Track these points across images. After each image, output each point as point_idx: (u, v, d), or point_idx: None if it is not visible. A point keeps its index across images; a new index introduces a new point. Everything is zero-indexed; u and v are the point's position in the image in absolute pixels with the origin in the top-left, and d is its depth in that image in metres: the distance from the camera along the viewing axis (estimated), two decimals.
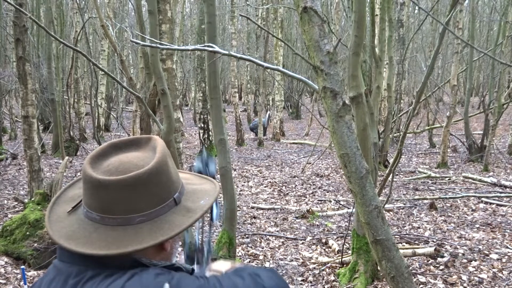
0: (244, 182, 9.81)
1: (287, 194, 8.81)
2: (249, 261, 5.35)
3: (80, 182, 1.06)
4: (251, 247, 5.83)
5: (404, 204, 7.71)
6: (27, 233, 4.98)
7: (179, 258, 1.27)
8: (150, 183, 1.00)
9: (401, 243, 5.73)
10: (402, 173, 10.33)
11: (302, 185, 9.51)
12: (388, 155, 11.04)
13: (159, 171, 1.01)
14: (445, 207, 7.49)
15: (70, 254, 0.99)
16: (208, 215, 1.33)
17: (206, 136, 13.51)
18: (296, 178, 10.17)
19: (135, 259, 0.98)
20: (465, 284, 4.52)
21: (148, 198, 1.00)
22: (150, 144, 1.09)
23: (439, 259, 5.09)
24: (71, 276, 0.98)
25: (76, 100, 15.79)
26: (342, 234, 6.08)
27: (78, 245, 0.97)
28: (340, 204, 7.86)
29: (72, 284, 0.97)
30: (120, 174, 0.98)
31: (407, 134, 7.42)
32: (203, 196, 1.11)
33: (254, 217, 7.16)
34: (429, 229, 6.34)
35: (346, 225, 6.43)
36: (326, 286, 4.67)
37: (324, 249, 5.75)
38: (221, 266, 1.24)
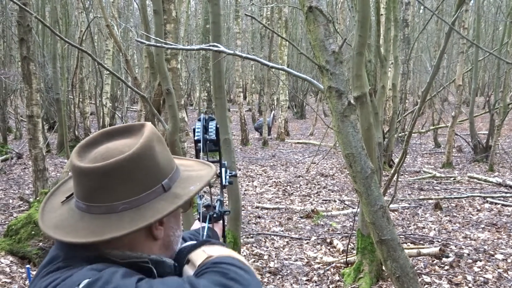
0: (248, 182, 9.81)
1: (292, 194, 8.80)
2: (254, 261, 5.35)
3: None
4: (256, 247, 5.83)
5: (409, 204, 7.69)
6: (32, 232, 4.99)
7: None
8: (132, 169, 0.96)
9: (406, 243, 5.72)
10: (407, 173, 10.30)
11: (307, 184, 9.50)
12: (393, 155, 11.01)
13: (141, 157, 0.97)
14: (450, 207, 7.46)
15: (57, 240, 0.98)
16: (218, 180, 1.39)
17: None
18: (300, 177, 10.16)
19: (98, 254, 0.95)
20: (470, 285, 4.50)
21: (131, 184, 0.97)
22: (142, 130, 1.05)
23: (444, 259, 5.07)
24: (52, 262, 0.97)
25: (81, 99, 15.82)
26: (346, 234, 6.07)
27: (63, 234, 0.96)
28: (345, 204, 7.85)
29: (45, 270, 0.96)
30: (103, 161, 0.96)
31: (412, 134, 7.40)
32: (194, 182, 1.07)
33: (259, 217, 7.16)
34: (434, 229, 6.32)
35: (350, 225, 6.41)
36: (331, 286, 4.67)
37: (329, 249, 5.75)
38: (213, 251, 1.02)
